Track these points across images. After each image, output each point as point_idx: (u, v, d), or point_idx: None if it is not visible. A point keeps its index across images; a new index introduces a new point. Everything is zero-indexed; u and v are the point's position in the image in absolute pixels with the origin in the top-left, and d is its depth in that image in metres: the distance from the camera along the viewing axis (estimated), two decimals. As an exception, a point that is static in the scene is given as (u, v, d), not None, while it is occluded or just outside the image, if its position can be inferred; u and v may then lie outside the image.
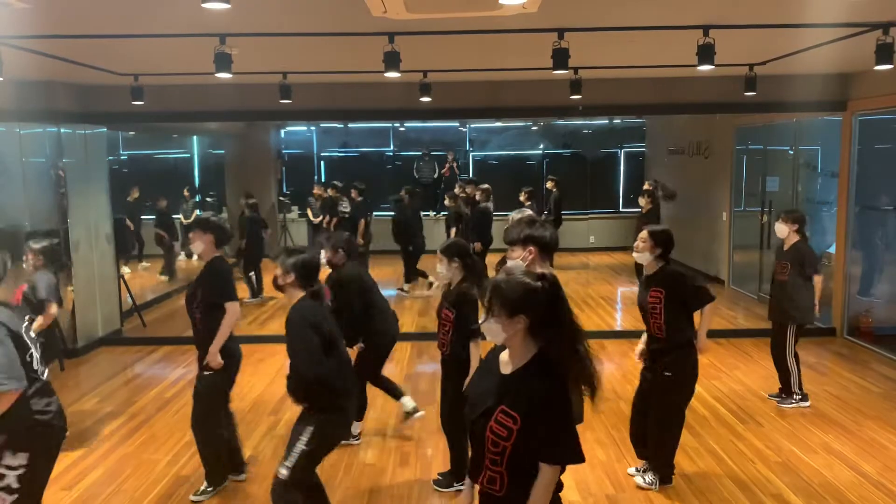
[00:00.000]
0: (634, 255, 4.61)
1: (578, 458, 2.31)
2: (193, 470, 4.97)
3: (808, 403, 6.04)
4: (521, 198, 11.42)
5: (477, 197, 10.34)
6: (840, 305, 8.17)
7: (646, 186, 11.20)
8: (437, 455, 5.18)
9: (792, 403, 6.05)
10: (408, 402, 5.56)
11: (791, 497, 4.55)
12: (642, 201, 10.66)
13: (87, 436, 5.62)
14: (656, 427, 4.64)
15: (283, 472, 3.64)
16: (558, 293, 2.36)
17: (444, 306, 4.49)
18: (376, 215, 12.07)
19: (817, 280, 5.93)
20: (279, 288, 3.76)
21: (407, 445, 5.39)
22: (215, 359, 4.44)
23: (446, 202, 11.88)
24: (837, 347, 7.81)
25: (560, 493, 2.41)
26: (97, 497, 4.65)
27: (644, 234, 4.52)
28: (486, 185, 10.50)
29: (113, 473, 5.00)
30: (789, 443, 5.36)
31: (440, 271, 4.50)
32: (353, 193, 10.72)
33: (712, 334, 4.68)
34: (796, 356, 6.03)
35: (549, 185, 12.68)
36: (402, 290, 10.73)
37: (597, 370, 2.37)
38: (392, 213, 11.42)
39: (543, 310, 2.31)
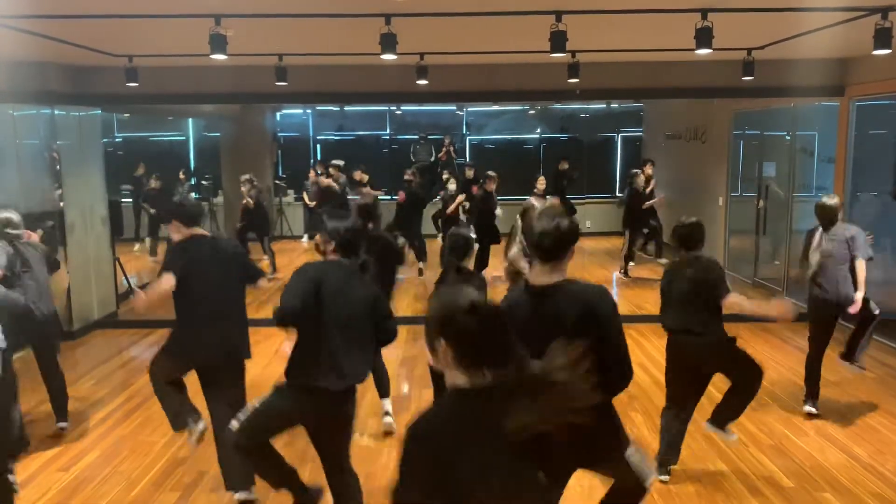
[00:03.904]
0: None
1: None
2: (190, 452, 4.99)
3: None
4: (540, 185, 9.86)
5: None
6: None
7: (648, 170, 11.15)
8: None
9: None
10: None
11: (783, 480, 4.59)
12: (641, 181, 10.68)
13: (83, 418, 5.64)
14: None
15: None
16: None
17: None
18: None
19: None
20: (323, 254, 3.66)
21: (400, 428, 5.40)
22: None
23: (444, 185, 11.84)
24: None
25: None
26: (94, 478, 4.67)
27: None
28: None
29: (109, 455, 5.02)
30: (782, 426, 5.40)
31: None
32: (359, 176, 10.58)
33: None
34: None
35: (562, 166, 12.87)
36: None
37: None
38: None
39: None
